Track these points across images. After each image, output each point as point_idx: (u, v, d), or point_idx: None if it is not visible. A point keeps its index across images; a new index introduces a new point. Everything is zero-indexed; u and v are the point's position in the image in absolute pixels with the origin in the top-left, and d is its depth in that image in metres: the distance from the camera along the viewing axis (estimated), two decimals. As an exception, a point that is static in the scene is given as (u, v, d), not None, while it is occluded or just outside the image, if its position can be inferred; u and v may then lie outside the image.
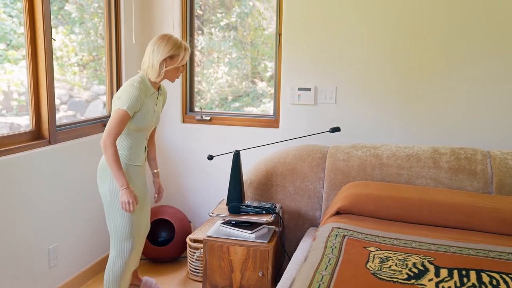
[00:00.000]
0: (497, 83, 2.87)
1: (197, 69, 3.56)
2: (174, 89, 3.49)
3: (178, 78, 2.36)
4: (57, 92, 2.87)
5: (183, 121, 3.54)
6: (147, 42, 3.47)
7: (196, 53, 3.54)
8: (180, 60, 2.26)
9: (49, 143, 2.59)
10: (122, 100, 2.15)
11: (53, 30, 2.85)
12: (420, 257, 1.94)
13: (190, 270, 3.01)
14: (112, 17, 3.17)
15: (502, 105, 2.88)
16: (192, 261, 2.98)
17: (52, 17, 2.83)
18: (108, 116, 3.22)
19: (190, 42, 3.47)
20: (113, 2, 3.15)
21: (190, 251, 2.99)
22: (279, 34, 3.27)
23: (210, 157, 2.76)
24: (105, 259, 3.09)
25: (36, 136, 2.58)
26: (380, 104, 3.09)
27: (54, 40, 2.60)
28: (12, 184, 2.33)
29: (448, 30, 2.91)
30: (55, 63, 2.83)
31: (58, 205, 2.67)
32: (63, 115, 2.98)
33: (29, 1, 2.45)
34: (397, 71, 3.03)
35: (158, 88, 2.38)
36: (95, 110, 3.24)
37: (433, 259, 1.93)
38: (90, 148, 2.91)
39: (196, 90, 3.57)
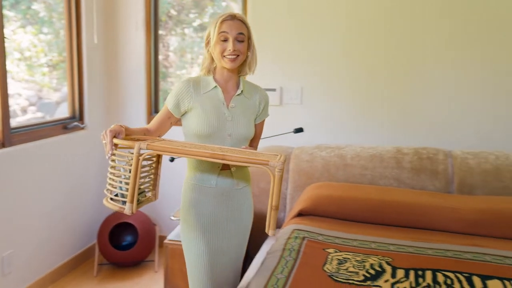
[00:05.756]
0: (461, 84, 2.90)
1: (170, 70, 3.50)
2: (138, 89, 3.42)
3: (230, 57, 1.74)
4: (26, 93, 2.82)
5: (148, 122, 3.46)
6: (111, 41, 3.41)
7: (170, 53, 3.48)
8: (214, 35, 1.74)
9: (3, 146, 2.50)
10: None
11: (21, 30, 2.78)
12: (378, 258, 1.92)
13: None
14: (72, 15, 3.07)
15: (465, 106, 2.90)
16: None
17: (19, 16, 2.77)
18: (70, 118, 3.13)
19: (155, 42, 3.41)
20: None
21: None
22: (244, 34, 3.23)
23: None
24: (63, 266, 3.02)
25: (-11, 138, 2.48)
26: (346, 105, 3.08)
27: (7, 39, 2.50)
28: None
29: (415, 32, 2.92)
30: (23, 63, 2.76)
31: (13, 210, 2.57)
32: (31, 117, 2.91)
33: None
34: (363, 71, 3.03)
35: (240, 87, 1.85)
36: (66, 112, 3.16)
37: (391, 259, 1.92)
38: (49, 151, 2.82)
39: (169, 91, 3.51)
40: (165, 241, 2.55)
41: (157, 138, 1.70)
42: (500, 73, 2.84)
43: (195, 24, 3.44)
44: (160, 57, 3.49)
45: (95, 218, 3.36)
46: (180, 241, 2.52)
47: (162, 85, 3.54)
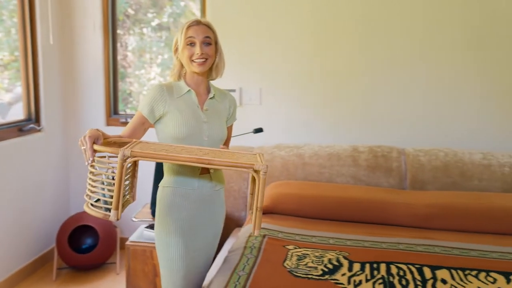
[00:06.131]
0: (413, 84, 3.03)
1: (129, 70, 3.47)
2: (96, 90, 3.38)
3: (198, 61, 1.76)
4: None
5: (107, 124, 3.43)
6: (67, 42, 3.35)
7: (128, 53, 3.45)
8: (181, 41, 1.76)
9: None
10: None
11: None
12: (336, 253, 2.00)
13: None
14: (26, 13, 2.99)
15: (417, 105, 3.04)
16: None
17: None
18: (26, 120, 3.06)
19: (113, 43, 3.38)
20: (27, -3, 2.99)
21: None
22: (203, 35, 3.25)
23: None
24: (20, 271, 2.95)
25: None
26: (304, 105, 3.16)
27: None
28: None
29: (370, 33, 3.03)
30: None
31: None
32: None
33: None
34: (319, 72, 3.11)
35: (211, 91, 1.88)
36: (20, 113, 3.07)
37: (348, 254, 2.00)
38: (4, 154, 2.75)
39: (128, 91, 3.48)
40: (127, 242, 2.54)
41: (135, 140, 1.65)
42: (451, 73, 2.99)
43: (153, 23, 3.42)
44: (118, 57, 3.46)
45: (53, 221, 3.30)
46: (142, 242, 2.53)
47: (120, 85, 3.51)
